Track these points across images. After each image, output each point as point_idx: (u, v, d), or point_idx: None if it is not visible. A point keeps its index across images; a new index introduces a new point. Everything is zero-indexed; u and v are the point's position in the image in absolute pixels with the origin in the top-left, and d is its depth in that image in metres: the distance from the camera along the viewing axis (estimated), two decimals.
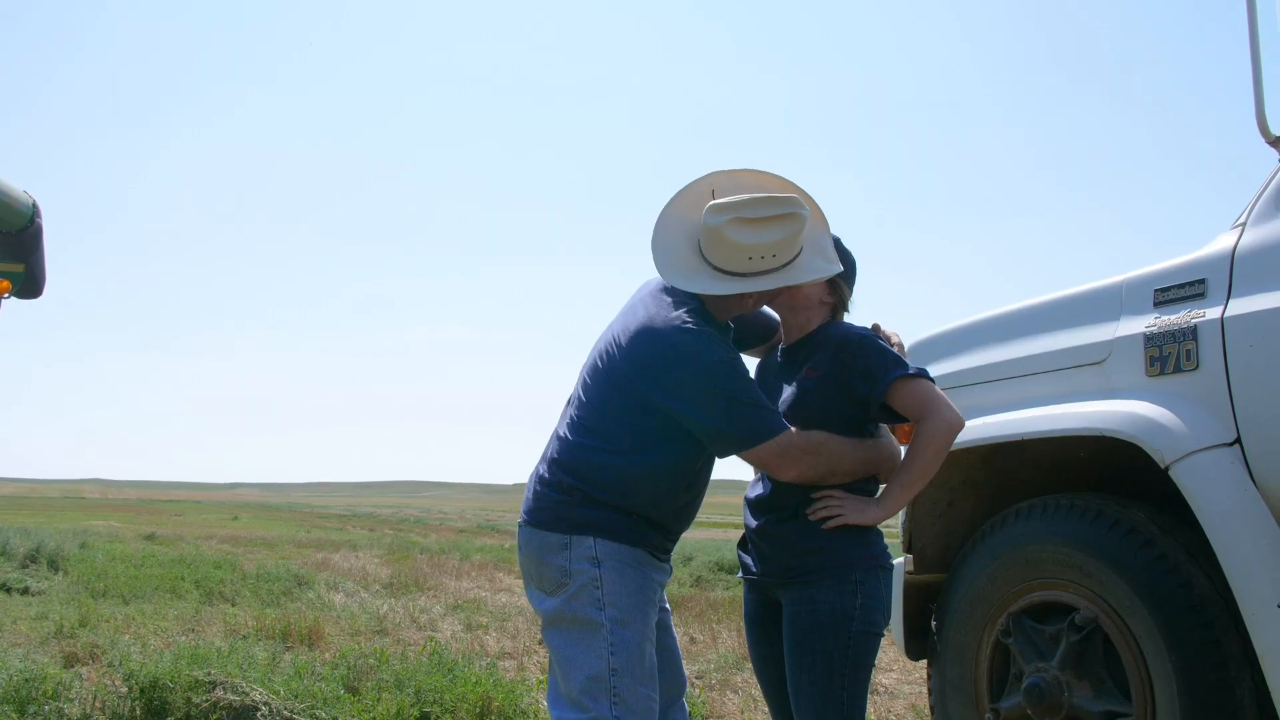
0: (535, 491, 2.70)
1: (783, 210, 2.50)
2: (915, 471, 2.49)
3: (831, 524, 2.51)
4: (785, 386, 2.68)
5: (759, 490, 2.73)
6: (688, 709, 2.93)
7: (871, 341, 2.58)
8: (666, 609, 2.86)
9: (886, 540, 2.62)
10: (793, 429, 2.53)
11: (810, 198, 2.64)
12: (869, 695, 5.56)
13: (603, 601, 2.56)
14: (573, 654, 2.56)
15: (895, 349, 2.64)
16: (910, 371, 2.52)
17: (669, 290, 2.67)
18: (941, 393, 2.52)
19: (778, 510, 2.64)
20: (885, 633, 2.63)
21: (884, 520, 2.55)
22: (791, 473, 2.54)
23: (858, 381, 2.53)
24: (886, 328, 2.74)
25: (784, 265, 2.55)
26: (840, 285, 2.70)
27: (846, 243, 2.70)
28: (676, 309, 2.58)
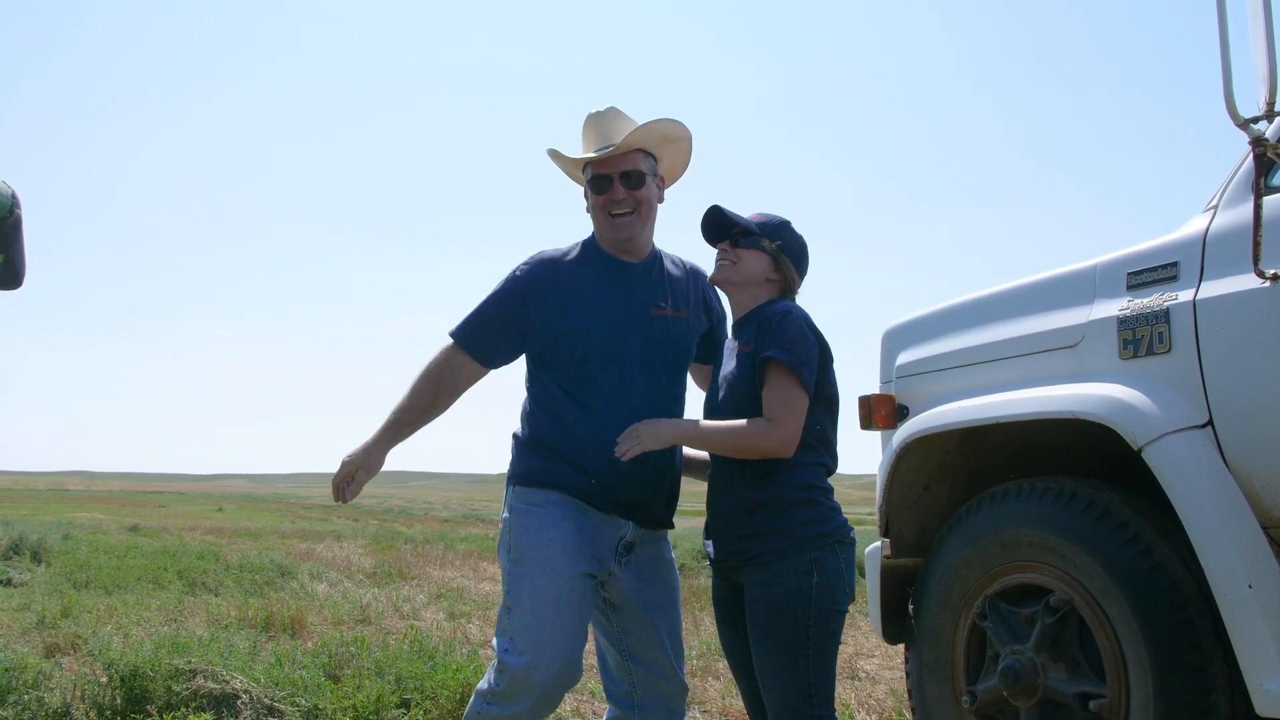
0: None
1: (637, 121, 2.83)
2: (716, 438, 2.59)
3: (630, 455, 2.56)
4: (729, 362, 2.72)
5: (712, 469, 2.74)
6: (672, 707, 2.89)
7: (783, 320, 2.59)
8: (655, 587, 2.87)
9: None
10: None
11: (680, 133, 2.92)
12: (856, 679, 5.61)
13: (510, 544, 2.75)
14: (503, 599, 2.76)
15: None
16: (787, 361, 2.52)
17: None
18: (797, 405, 2.52)
19: (722, 489, 2.67)
20: (849, 609, 2.62)
21: (671, 439, 2.62)
22: None
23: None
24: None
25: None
26: (786, 265, 2.73)
27: (796, 226, 2.74)
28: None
